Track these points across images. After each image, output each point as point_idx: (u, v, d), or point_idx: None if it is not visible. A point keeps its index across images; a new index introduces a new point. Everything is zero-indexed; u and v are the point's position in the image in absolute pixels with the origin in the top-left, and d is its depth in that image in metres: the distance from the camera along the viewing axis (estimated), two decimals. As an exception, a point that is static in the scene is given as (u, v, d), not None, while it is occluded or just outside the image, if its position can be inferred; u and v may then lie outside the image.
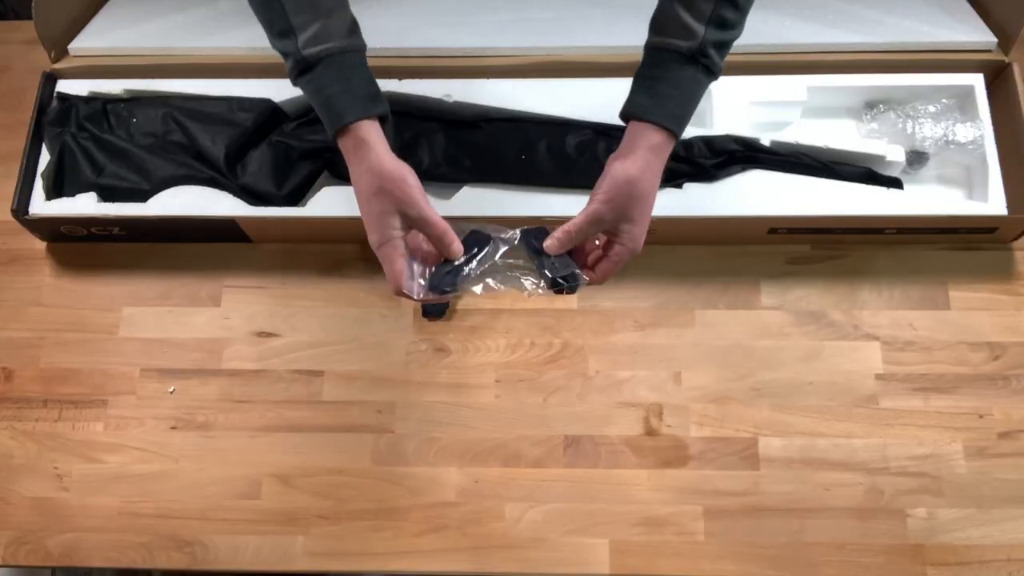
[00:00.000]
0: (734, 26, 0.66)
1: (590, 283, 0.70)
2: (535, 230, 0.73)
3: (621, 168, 0.66)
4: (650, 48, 0.68)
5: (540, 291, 0.72)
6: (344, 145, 0.68)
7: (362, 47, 0.69)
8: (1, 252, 0.97)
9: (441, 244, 0.68)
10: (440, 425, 0.87)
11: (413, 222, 0.67)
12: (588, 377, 0.88)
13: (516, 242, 0.71)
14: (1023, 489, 0.83)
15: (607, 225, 0.68)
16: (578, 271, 0.70)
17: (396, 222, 0.67)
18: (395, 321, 0.91)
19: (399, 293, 0.69)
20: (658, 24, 0.67)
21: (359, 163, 0.67)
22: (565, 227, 0.68)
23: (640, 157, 0.66)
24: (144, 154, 0.92)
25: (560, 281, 0.70)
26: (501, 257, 0.71)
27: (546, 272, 0.70)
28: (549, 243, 0.69)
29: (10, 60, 1.07)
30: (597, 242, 0.71)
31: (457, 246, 0.69)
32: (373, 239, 0.68)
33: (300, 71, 0.68)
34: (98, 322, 0.93)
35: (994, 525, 0.82)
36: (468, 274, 0.70)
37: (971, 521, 0.82)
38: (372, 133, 0.67)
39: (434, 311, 0.90)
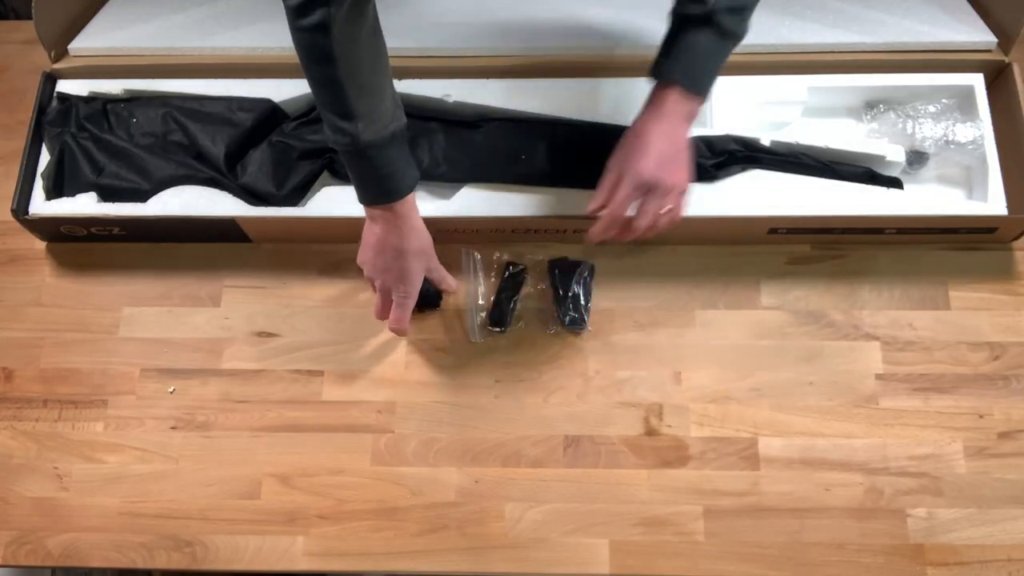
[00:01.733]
0: None
1: (634, 237, 0.77)
2: (562, 261, 0.90)
3: (630, 128, 0.77)
4: (670, 14, 0.75)
5: (552, 329, 0.89)
6: (387, 211, 0.78)
7: (404, 119, 0.77)
8: (1, 252, 0.97)
9: (441, 284, 0.88)
10: (440, 425, 0.87)
11: (429, 272, 0.85)
12: (588, 377, 0.88)
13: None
14: (1023, 489, 0.83)
15: (616, 177, 0.76)
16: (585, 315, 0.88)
17: (420, 280, 0.83)
18: (395, 321, 0.91)
19: (397, 329, 0.84)
20: None
21: (406, 224, 0.79)
22: (591, 206, 0.78)
23: (646, 112, 0.76)
24: (144, 154, 0.92)
25: (573, 318, 0.88)
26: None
27: (561, 309, 0.88)
28: (593, 231, 0.78)
29: (10, 60, 1.07)
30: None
31: (454, 285, 0.89)
32: (404, 289, 0.82)
33: (356, 153, 0.74)
34: (98, 322, 0.93)
35: (994, 525, 0.82)
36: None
37: (971, 521, 0.82)
38: (413, 199, 0.79)
39: (428, 303, 0.90)
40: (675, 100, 0.74)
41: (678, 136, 0.75)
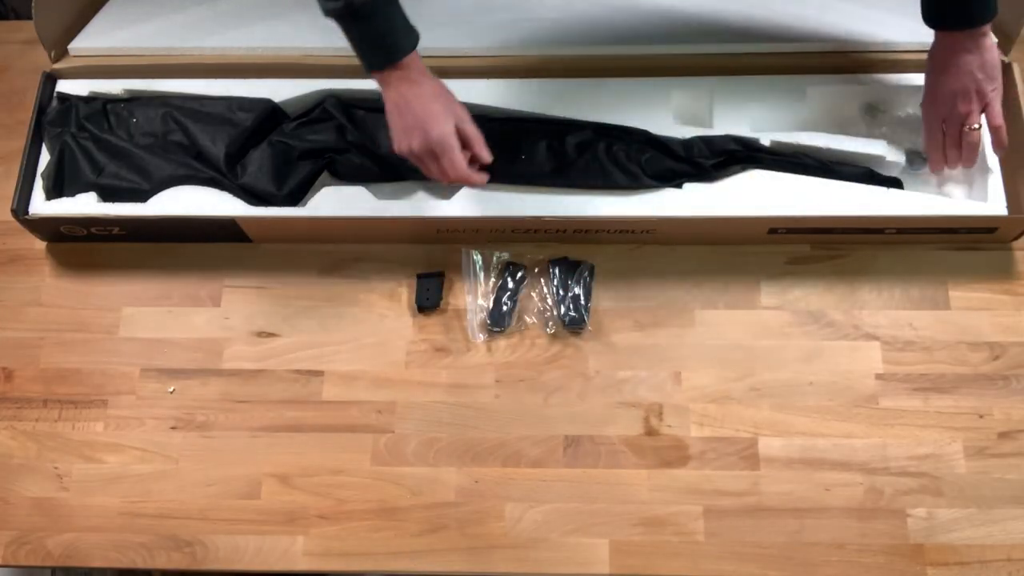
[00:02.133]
0: None
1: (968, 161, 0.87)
2: (562, 261, 0.90)
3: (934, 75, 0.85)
4: None
5: (552, 329, 0.89)
6: (391, 76, 0.78)
7: None
8: (1, 252, 0.97)
9: (473, 149, 0.82)
10: (440, 425, 0.87)
11: (462, 128, 0.80)
12: (588, 377, 0.88)
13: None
14: (1023, 489, 0.83)
15: (942, 115, 0.85)
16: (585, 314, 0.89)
17: (453, 124, 0.79)
18: (395, 321, 0.91)
19: (458, 178, 0.80)
20: None
21: (419, 75, 0.79)
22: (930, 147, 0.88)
23: (945, 57, 0.83)
24: (144, 154, 0.92)
25: (573, 317, 0.87)
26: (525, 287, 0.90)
27: (561, 309, 0.88)
28: (932, 160, 0.89)
29: (10, 60, 1.07)
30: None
31: (486, 152, 0.82)
32: (438, 130, 0.78)
33: (350, 14, 0.74)
34: (98, 322, 0.93)
35: (994, 525, 0.82)
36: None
37: (971, 521, 0.82)
38: (420, 62, 0.79)
39: (428, 304, 0.90)
40: (966, 38, 0.81)
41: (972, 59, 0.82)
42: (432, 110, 0.79)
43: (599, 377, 0.88)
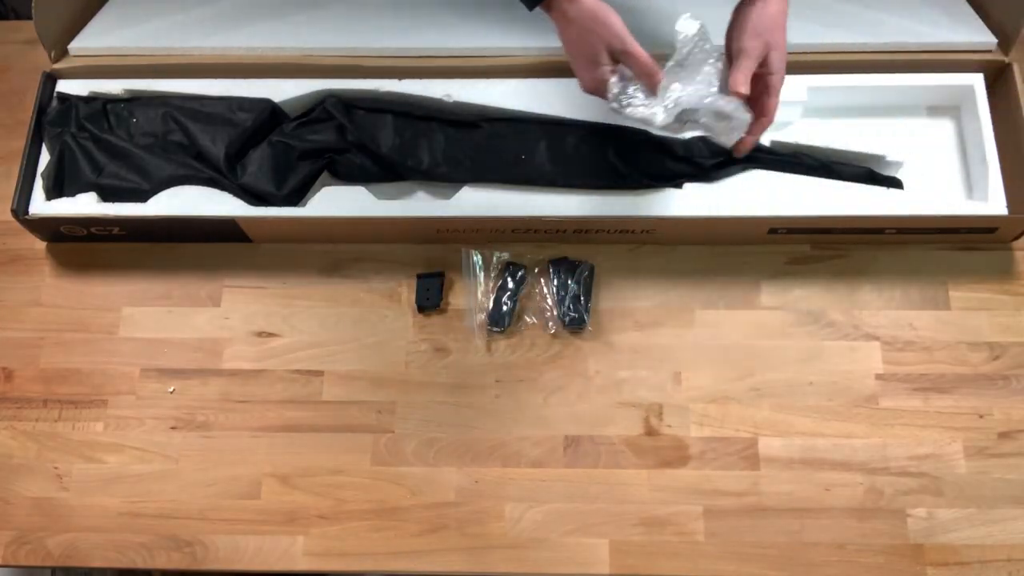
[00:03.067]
0: None
1: (760, 129, 0.78)
2: (562, 261, 0.90)
3: (756, 8, 0.76)
4: None
5: (552, 329, 0.89)
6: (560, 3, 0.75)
7: None
8: (1, 252, 0.97)
9: (645, 76, 0.75)
10: (440, 425, 0.87)
11: (619, 55, 0.75)
12: (588, 377, 0.88)
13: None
14: (1023, 489, 0.83)
15: (758, 60, 0.75)
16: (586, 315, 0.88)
17: (604, 58, 0.75)
18: (395, 321, 0.91)
19: (643, 68, 0.75)
20: None
21: (566, 14, 0.75)
22: (735, 77, 0.74)
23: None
24: (144, 154, 0.92)
25: (573, 317, 0.87)
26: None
27: (561, 309, 0.88)
28: (733, 80, 0.75)
29: (10, 60, 1.07)
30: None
31: (660, 76, 0.75)
32: (622, 46, 0.74)
33: None
34: (98, 322, 0.93)
35: (994, 525, 0.82)
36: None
37: (971, 521, 0.82)
38: None
39: (428, 304, 0.90)
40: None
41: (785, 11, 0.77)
42: (575, 51, 0.77)
43: (599, 377, 0.88)
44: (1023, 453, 0.84)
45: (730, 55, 0.77)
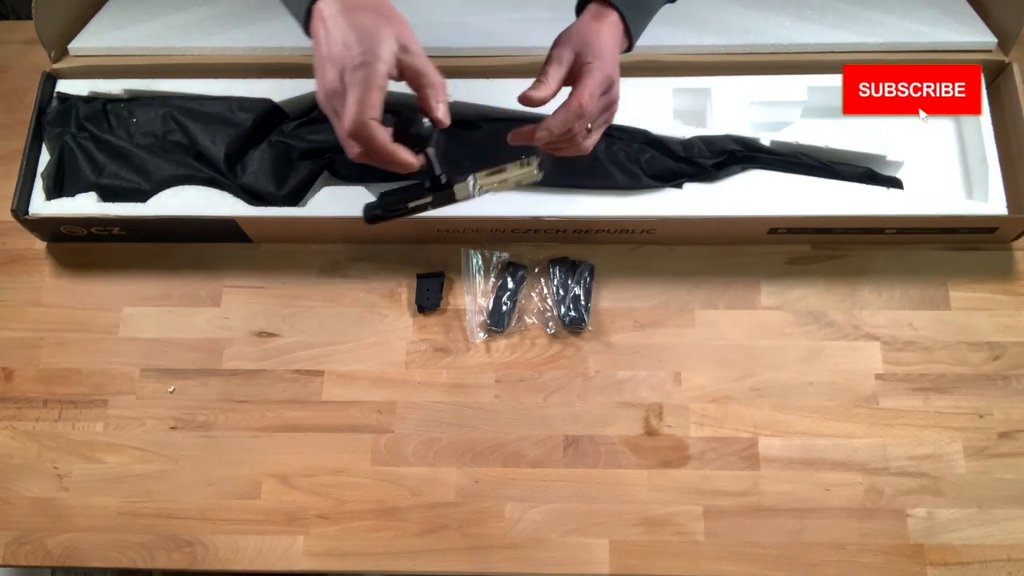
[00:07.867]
0: None
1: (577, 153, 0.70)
2: (562, 261, 0.90)
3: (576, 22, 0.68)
4: None
5: (551, 329, 0.89)
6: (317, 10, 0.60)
7: None
8: (1, 252, 0.97)
9: (427, 99, 0.59)
10: (440, 425, 0.87)
11: (406, 61, 0.58)
12: (588, 377, 0.88)
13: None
14: (1023, 489, 0.83)
15: (570, 61, 0.67)
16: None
17: (388, 50, 0.56)
18: (395, 321, 0.91)
19: (357, 134, 0.57)
20: None
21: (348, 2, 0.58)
22: (538, 94, 0.66)
23: (593, 20, 0.67)
24: (144, 154, 0.92)
25: (573, 317, 0.87)
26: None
27: (561, 309, 0.87)
28: (540, 134, 0.68)
29: (10, 60, 1.07)
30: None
31: (444, 109, 0.59)
32: (353, 55, 0.55)
33: None
34: (98, 322, 0.93)
35: (994, 525, 0.82)
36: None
37: (971, 521, 0.82)
38: None
39: (428, 304, 0.90)
40: (614, 24, 0.66)
41: (612, 43, 0.66)
42: (351, 22, 0.57)
43: (599, 377, 0.88)
44: (1023, 453, 0.84)
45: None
